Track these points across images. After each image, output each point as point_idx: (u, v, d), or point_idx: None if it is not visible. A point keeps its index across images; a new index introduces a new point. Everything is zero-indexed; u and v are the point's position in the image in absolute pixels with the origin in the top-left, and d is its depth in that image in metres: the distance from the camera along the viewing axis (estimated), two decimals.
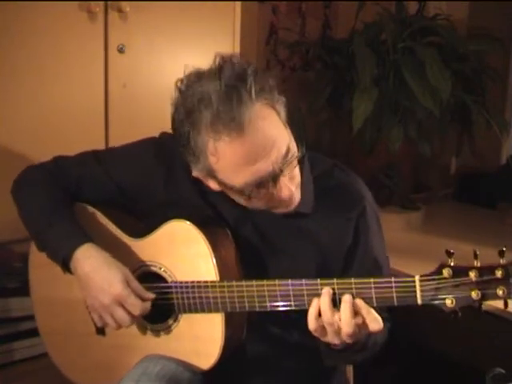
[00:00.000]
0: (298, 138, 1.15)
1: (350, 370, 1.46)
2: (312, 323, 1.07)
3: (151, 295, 1.21)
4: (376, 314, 1.06)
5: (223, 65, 1.09)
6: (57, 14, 1.66)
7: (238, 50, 2.02)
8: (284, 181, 1.11)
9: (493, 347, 1.97)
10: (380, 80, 2.30)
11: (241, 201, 1.17)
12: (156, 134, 1.36)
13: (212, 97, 1.05)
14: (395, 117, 2.35)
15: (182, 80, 1.13)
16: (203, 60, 1.97)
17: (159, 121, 1.57)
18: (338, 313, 1.06)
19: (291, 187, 1.12)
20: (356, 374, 1.47)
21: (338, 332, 1.06)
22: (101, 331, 1.31)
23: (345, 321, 1.04)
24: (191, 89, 1.09)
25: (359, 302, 1.06)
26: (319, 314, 1.07)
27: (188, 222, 1.20)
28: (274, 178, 1.10)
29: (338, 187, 1.25)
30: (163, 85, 1.90)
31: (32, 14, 1.62)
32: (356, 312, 1.05)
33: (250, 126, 1.04)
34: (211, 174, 1.13)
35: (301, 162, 1.18)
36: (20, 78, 1.65)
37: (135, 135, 1.37)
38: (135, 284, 1.20)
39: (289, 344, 1.28)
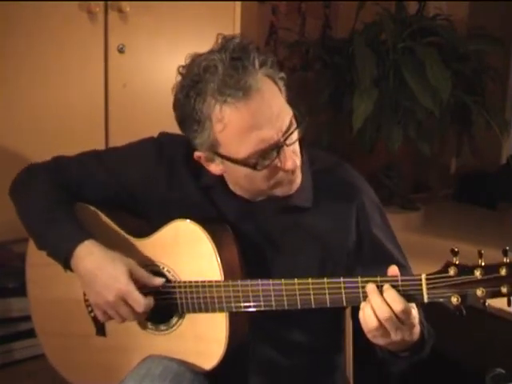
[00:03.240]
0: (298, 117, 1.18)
1: (349, 369, 1.46)
2: (373, 322, 1.03)
3: (160, 280, 1.20)
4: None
5: (227, 40, 1.13)
6: (57, 14, 1.67)
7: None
8: (288, 151, 1.12)
9: (493, 347, 1.97)
10: (380, 80, 2.30)
11: (242, 182, 1.17)
12: (156, 133, 1.36)
13: (218, 65, 1.08)
14: (395, 117, 2.35)
15: (183, 66, 1.17)
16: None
17: (159, 121, 1.57)
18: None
19: (294, 158, 1.13)
20: (356, 373, 1.47)
21: (396, 323, 1.03)
22: (101, 332, 1.31)
23: (394, 300, 1.03)
24: (195, 62, 1.13)
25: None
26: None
27: (192, 222, 1.19)
28: (278, 147, 1.11)
29: (337, 183, 1.26)
30: (163, 85, 1.90)
31: (32, 14, 1.62)
32: None
33: (256, 90, 1.08)
34: (214, 147, 1.14)
35: (301, 143, 1.19)
36: (20, 78, 1.64)
37: (135, 135, 1.37)
38: (141, 272, 1.20)
39: (291, 344, 1.27)
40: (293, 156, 1.13)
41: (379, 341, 1.07)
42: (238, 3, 2.01)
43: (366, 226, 1.24)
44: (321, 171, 1.27)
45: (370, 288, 1.05)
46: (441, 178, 3.12)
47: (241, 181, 1.18)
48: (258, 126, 1.08)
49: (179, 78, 1.16)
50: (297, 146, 1.16)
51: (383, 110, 2.33)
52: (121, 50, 1.78)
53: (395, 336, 1.05)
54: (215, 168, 1.19)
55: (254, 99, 1.08)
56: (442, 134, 2.51)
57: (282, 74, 1.18)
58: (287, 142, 1.11)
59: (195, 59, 1.14)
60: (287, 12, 2.64)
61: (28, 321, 1.67)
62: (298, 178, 1.18)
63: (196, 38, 1.94)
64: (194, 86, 1.11)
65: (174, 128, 1.34)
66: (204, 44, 1.94)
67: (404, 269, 1.23)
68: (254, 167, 1.12)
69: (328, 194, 1.24)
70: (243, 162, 1.12)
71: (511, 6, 2.78)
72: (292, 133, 1.12)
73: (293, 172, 1.15)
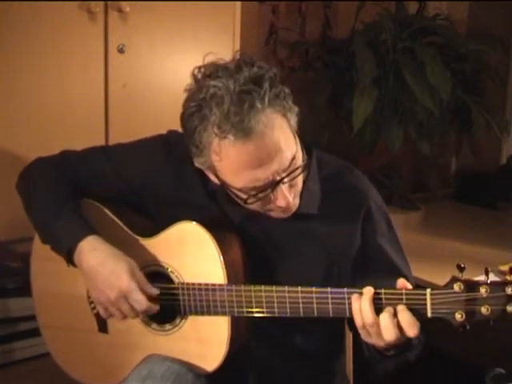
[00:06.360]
0: (304, 147, 1.15)
1: (349, 369, 1.46)
2: (369, 318, 1.04)
3: (155, 290, 1.20)
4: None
5: (242, 65, 1.08)
6: (56, 14, 1.67)
7: (237, 50, 2.02)
8: (282, 189, 1.10)
9: (493, 347, 1.97)
10: (380, 80, 2.31)
11: (238, 200, 1.16)
12: (156, 133, 1.36)
13: (225, 96, 1.04)
14: (395, 117, 2.35)
15: (199, 68, 1.12)
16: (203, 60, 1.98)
17: (159, 121, 1.57)
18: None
19: (288, 196, 1.11)
20: (356, 374, 1.47)
21: (380, 335, 1.04)
22: (103, 329, 1.31)
23: (385, 327, 1.03)
24: (206, 82, 1.08)
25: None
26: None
27: (198, 224, 1.19)
28: (273, 186, 1.09)
29: (345, 189, 1.24)
30: (163, 85, 1.91)
31: (32, 14, 1.62)
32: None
33: (258, 131, 1.04)
34: (213, 170, 1.13)
35: (306, 166, 1.17)
36: (20, 78, 1.65)
37: (135, 135, 1.37)
38: (140, 277, 1.19)
39: (292, 348, 1.27)
40: (287, 192, 1.11)
41: (372, 340, 1.07)
42: (238, 3, 2.01)
43: (372, 234, 1.23)
44: (329, 176, 1.25)
45: (367, 289, 1.05)
46: (441, 178, 3.12)
47: (237, 199, 1.17)
48: (252, 166, 1.06)
49: (192, 80, 1.12)
50: (298, 179, 1.14)
51: (383, 110, 2.33)
52: (121, 50, 1.78)
53: (389, 337, 1.04)
54: (214, 178, 1.17)
55: (255, 139, 1.04)
56: (442, 133, 2.51)
57: (296, 109, 1.12)
58: (284, 180, 1.10)
59: (207, 78, 1.09)
60: (287, 12, 2.64)
61: (28, 321, 1.67)
62: (294, 206, 1.16)
63: (196, 38, 1.95)
64: (198, 111, 1.07)
65: (173, 127, 1.34)
66: (204, 44, 1.95)
67: (407, 280, 1.23)
68: (244, 201, 1.12)
69: (335, 200, 1.23)
70: (236, 192, 1.12)
71: (511, 6, 2.78)
72: (292, 170, 1.10)
73: (286, 205, 1.13)
